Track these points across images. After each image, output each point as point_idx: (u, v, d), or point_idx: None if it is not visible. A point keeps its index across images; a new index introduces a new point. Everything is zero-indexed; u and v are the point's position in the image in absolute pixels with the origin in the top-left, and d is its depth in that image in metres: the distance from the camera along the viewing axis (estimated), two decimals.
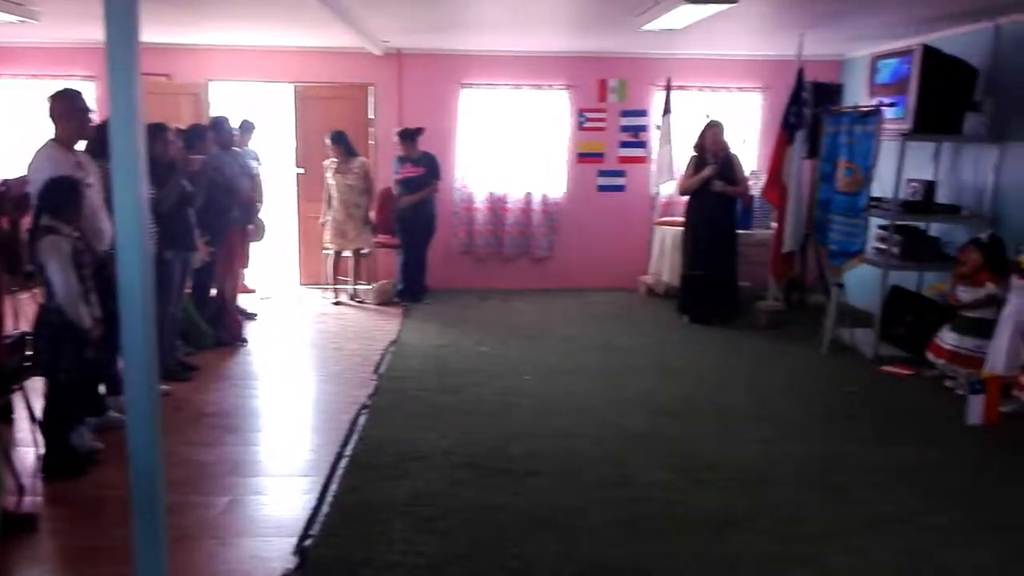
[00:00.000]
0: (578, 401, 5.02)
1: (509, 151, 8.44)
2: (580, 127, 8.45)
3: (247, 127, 6.94)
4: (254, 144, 7.20)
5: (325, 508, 3.53)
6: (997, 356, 4.84)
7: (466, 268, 8.65)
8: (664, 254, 8.05)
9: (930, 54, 5.81)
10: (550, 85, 8.34)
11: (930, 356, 5.47)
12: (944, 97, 5.83)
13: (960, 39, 6.20)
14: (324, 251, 7.93)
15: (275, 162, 9.45)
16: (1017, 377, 4.52)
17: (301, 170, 8.48)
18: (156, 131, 5.03)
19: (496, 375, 5.54)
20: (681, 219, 7.32)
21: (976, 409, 4.36)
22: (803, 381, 5.55)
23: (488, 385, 5.31)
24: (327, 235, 7.73)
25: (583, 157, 8.50)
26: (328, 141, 7.51)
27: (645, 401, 5.02)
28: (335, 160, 7.56)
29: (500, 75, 8.29)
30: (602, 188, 8.59)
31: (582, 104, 8.41)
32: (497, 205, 8.55)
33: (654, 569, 3.07)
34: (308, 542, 3.25)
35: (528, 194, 8.54)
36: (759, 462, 4.11)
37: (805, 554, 3.18)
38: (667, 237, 7.97)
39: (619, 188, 8.59)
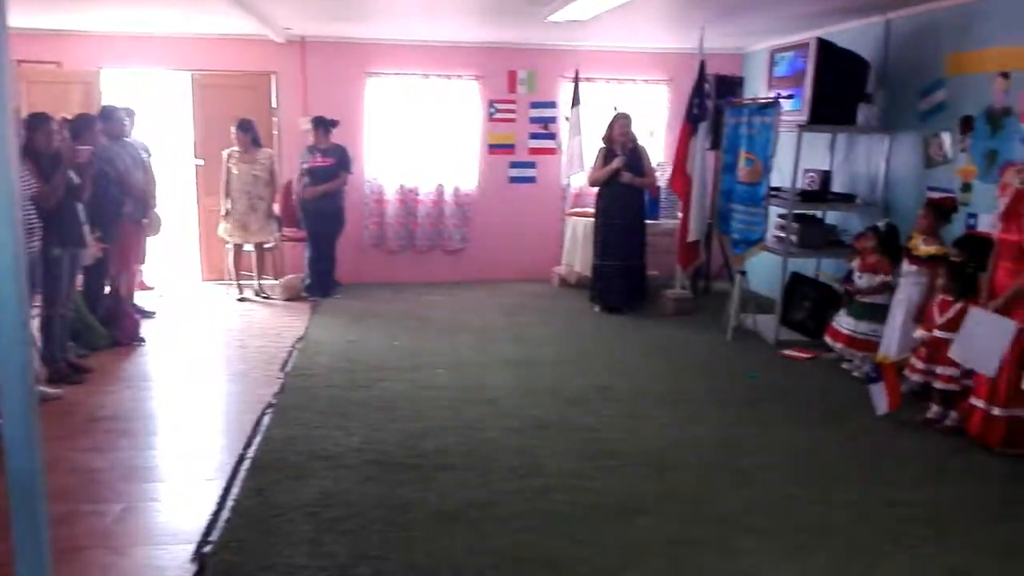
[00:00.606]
0: (491, 393, 5.00)
1: (419, 142, 8.33)
2: (490, 118, 8.42)
3: (128, 114, 6.52)
4: (141, 134, 6.83)
5: (226, 513, 3.39)
6: (891, 340, 5.07)
7: (378, 262, 8.51)
8: (576, 245, 8.12)
9: (824, 48, 6.03)
10: (459, 75, 8.28)
11: (828, 340, 5.69)
12: (838, 89, 6.05)
13: (853, 33, 6.46)
14: (226, 245, 7.65)
15: (171, 153, 9.07)
16: (908, 358, 4.73)
17: (200, 161, 8.16)
18: (37, 121, 4.74)
19: (408, 369, 5.47)
20: (592, 210, 7.39)
21: (880, 399, 4.52)
22: (709, 367, 5.69)
23: (400, 380, 5.23)
24: (226, 227, 7.46)
25: (494, 148, 8.48)
26: (234, 129, 7.24)
27: (557, 390, 5.05)
28: (238, 149, 7.30)
29: (408, 64, 8.16)
30: (514, 179, 8.59)
31: (492, 95, 8.38)
32: (408, 197, 8.44)
33: (563, 559, 3.07)
34: (207, 549, 3.11)
35: (440, 186, 8.46)
36: (667, 447, 4.18)
37: (711, 536, 3.25)
38: (578, 228, 8.04)
39: (530, 179, 8.60)
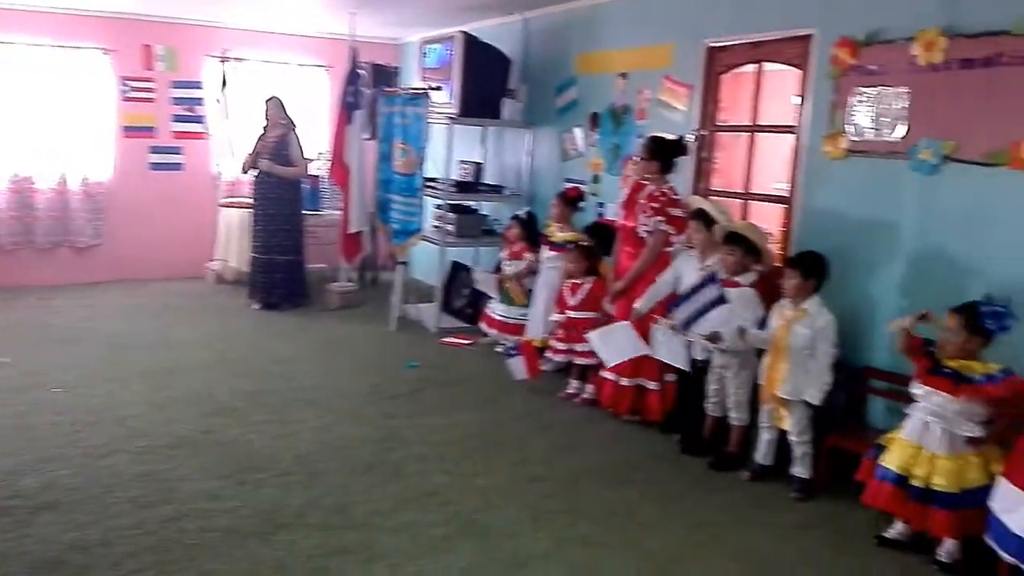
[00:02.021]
0: (121, 411, 4.38)
1: (35, 124, 7.14)
2: (124, 97, 7.48)
3: None
4: None
5: None
6: (536, 323, 5.35)
7: None
8: (231, 238, 7.55)
9: (470, 41, 6.18)
10: (84, 47, 7.22)
11: (483, 326, 5.88)
12: (484, 83, 6.26)
13: (497, 30, 6.72)
14: None
15: None
16: (548, 340, 5.00)
17: None
18: None
19: (17, 391, 4.62)
20: (249, 200, 6.89)
21: (518, 367, 4.76)
22: (371, 360, 5.58)
23: (4, 405, 4.38)
24: None
25: (130, 131, 7.55)
26: None
27: (201, 401, 4.58)
28: None
29: (16, 30, 6.93)
30: (156, 166, 7.73)
31: (125, 71, 7.44)
32: (23, 187, 7.21)
33: None
34: None
35: (63, 174, 7.34)
36: (318, 452, 3.96)
37: (357, 543, 3.10)
38: (234, 220, 7.47)
39: (176, 166, 7.81)
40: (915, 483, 3.05)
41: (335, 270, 7.44)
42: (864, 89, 3.90)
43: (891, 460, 3.14)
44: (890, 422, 3.49)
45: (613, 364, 4.48)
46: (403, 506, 3.43)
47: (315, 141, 7.80)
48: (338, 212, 7.45)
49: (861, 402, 3.88)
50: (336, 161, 6.94)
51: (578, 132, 6.00)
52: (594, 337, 4.50)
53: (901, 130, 3.73)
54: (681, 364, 4.15)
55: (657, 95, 5.20)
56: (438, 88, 6.29)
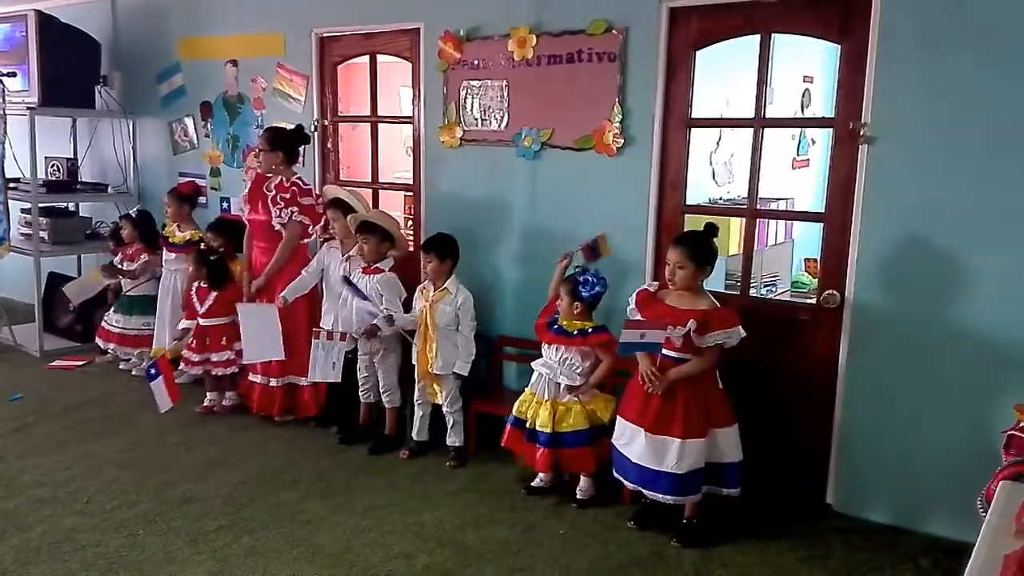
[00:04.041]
0: None
1: None
2: None
3: None
4: None
5: None
6: (162, 331, 4.93)
7: None
8: None
9: (44, 20, 5.40)
10: None
11: (100, 342, 5.26)
12: (68, 68, 5.53)
13: (79, 10, 5.91)
14: None
15: None
16: (180, 351, 4.64)
17: None
18: None
19: None
20: None
21: (161, 396, 4.26)
22: None
23: None
24: None
25: None
26: None
27: None
28: None
29: None
30: None
31: None
32: None
33: None
34: None
35: None
36: None
37: None
38: None
39: None
40: (530, 426, 3.54)
41: None
42: (471, 82, 4.22)
43: (515, 408, 3.64)
44: (523, 383, 3.88)
45: (252, 360, 4.31)
46: (30, 561, 2.96)
47: None
48: None
49: (498, 368, 4.26)
50: None
51: (189, 122, 5.60)
52: (241, 311, 4.27)
53: (505, 120, 4.13)
54: (332, 379, 4.08)
55: (273, 84, 5.07)
56: (12, 74, 5.40)
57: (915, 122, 3.08)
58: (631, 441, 3.20)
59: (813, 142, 5.35)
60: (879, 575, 3.00)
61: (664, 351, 3.12)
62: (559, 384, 3.49)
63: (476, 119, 4.22)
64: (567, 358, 3.49)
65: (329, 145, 4.98)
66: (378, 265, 4.02)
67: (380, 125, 4.82)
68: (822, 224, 3.45)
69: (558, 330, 3.51)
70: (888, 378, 3.25)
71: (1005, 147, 2.92)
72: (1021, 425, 2.30)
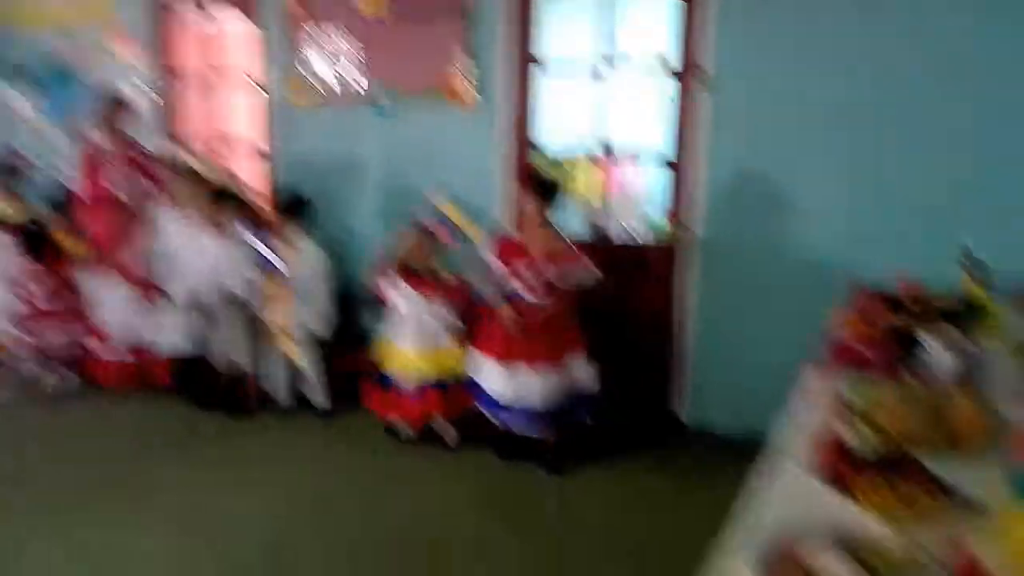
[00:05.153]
0: None
1: None
2: None
3: None
4: None
5: None
6: None
7: None
8: None
9: None
10: None
11: None
12: None
13: None
14: None
15: None
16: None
17: None
18: None
19: None
20: None
21: None
22: None
23: None
24: None
25: None
26: None
27: None
28: None
29: None
30: None
31: None
32: None
33: None
34: None
35: None
36: None
37: None
38: None
39: None
40: (405, 379, 3.55)
41: None
42: (320, 41, 4.15)
43: (382, 364, 3.63)
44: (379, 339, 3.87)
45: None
46: None
47: None
48: None
49: (356, 324, 4.23)
50: None
51: (12, 92, 5.17)
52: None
53: (359, 78, 4.10)
54: (185, 348, 3.97)
55: (104, 47, 4.78)
56: None
57: (750, 72, 3.36)
58: (487, 373, 3.31)
59: None
60: (720, 475, 3.25)
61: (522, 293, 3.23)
62: (433, 333, 3.53)
63: (328, 78, 4.17)
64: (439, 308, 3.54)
65: (166, 108, 4.76)
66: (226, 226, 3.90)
67: (235, 89, 4.66)
68: (672, 168, 3.67)
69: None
70: (732, 300, 3.57)
71: (825, 93, 3.25)
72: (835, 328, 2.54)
